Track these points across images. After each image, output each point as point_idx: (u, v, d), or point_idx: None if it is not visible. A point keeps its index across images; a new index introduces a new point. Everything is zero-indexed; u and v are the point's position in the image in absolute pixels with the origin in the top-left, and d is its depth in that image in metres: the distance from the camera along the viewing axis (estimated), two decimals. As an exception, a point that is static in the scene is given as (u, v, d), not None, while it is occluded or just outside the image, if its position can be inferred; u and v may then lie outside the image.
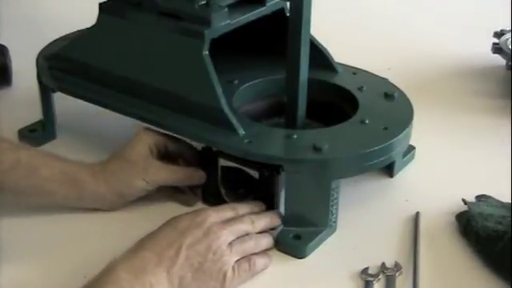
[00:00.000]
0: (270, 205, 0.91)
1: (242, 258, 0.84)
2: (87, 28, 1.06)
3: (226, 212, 0.87)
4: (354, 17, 1.62)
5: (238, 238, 0.84)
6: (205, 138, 0.93)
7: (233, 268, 0.82)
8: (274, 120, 1.05)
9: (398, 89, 1.05)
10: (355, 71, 1.10)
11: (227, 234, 0.83)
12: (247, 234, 0.86)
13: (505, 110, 1.22)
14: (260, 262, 0.85)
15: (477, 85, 1.32)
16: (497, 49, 1.30)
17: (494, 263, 0.86)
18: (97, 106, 1.02)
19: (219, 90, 0.92)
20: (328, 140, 0.90)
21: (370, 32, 1.53)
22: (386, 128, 0.94)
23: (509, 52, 1.27)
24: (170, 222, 0.83)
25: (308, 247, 0.89)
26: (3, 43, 1.29)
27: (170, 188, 0.96)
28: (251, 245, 0.85)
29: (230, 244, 0.83)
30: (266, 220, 0.89)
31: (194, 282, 0.79)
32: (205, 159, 0.95)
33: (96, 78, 1.02)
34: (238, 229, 0.85)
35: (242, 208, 0.89)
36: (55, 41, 1.14)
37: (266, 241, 0.88)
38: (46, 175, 0.91)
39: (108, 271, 0.76)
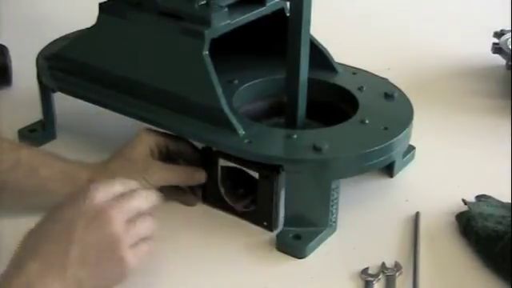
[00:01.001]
0: (270, 205, 0.91)
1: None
2: (87, 28, 1.06)
3: (114, 187, 0.78)
4: (353, 17, 1.62)
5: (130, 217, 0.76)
6: (205, 138, 0.93)
7: (131, 252, 0.74)
8: (273, 120, 1.05)
9: (398, 89, 1.05)
10: (355, 71, 1.10)
11: (119, 215, 0.74)
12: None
13: (505, 110, 1.22)
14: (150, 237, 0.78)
15: (477, 85, 1.32)
16: (497, 49, 1.30)
17: (494, 263, 0.86)
18: (97, 106, 1.03)
19: (219, 90, 0.92)
20: (328, 140, 0.90)
21: (370, 32, 1.53)
22: (386, 128, 0.94)
23: (509, 52, 1.27)
24: (53, 214, 0.74)
25: (308, 247, 0.89)
26: (3, 43, 1.29)
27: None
28: (147, 225, 0.78)
29: (125, 226, 0.75)
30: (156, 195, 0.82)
31: (93, 280, 0.71)
32: (205, 159, 0.95)
33: (96, 78, 1.02)
34: (131, 207, 0.77)
35: (134, 183, 0.81)
36: (55, 41, 1.15)
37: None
38: (46, 175, 0.91)
39: None
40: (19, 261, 0.71)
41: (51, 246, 0.72)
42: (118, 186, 0.78)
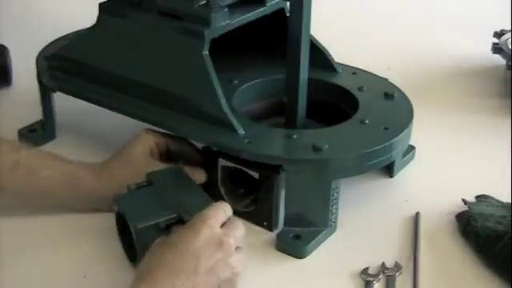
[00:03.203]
0: (270, 205, 0.91)
1: None
2: (87, 28, 1.06)
3: (221, 215, 0.81)
4: (354, 17, 1.62)
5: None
6: (205, 138, 0.93)
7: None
8: (273, 120, 1.05)
9: (398, 89, 1.05)
10: (355, 71, 1.10)
11: (234, 244, 0.79)
12: None
13: (505, 110, 1.22)
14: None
15: (477, 85, 1.32)
16: (497, 49, 1.30)
17: (494, 263, 0.86)
18: (97, 106, 1.03)
19: (219, 90, 0.93)
20: (328, 140, 0.90)
21: (370, 32, 1.53)
22: (386, 128, 0.94)
23: (509, 52, 1.27)
24: (173, 241, 0.77)
25: (308, 247, 0.89)
26: (3, 43, 1.29)
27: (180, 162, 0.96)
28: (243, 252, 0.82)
29: (236, 251, 0.79)
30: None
31: None
32: (205, 159, 0.95)
33: (96, 77, 1.02)
34: (238, 235, 0.81)
35: (227, 207, 0.83)
36: (55, 41, 1.15)
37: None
38: (46, 175, 0.91)
39: None
40: (147, 285, 0.72)
41: (178, 272, 0.73)
42: (223, 213, 0.81)
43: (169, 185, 0.88)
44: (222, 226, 0.80)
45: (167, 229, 0.82)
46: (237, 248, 0.80)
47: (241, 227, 0.81)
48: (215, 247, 0.76)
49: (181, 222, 0.82)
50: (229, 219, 0.82)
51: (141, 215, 0.83)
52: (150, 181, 0.89)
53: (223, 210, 0.81)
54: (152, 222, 0.82)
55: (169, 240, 0.77)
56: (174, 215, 0.82)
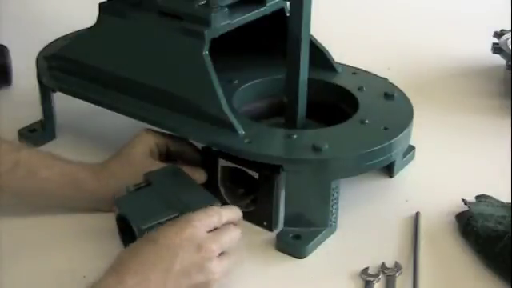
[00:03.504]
0: (270, 205, 0.91)
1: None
2: (87, 28, 1.06)
3: (211, 219, 0.80)
4: (353, 17, 1.62)
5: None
6: (205, 138, 0.93)
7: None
8: (273, 120, 1.05)
9: (398, 89, 1.05)
10: (355, 71, 1.10)
11: (217, 250, 0.78)
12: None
13: (505, 110, 1.22)
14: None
15: (477, 85, 1.32)
16: (497, 49, 1.30)
17: (493, 263, 0.86)
18: (97, 106, 1.03)
19: (219, 90, 0.93)
20: (328, 140, 0.90)
21: (370, 32, 1.53)
22: (386, 128, 0.94)
23: (509, 52, 1.27)
24: (154, 236, 0.77)
25: (308, 247, 0.89)
26: (3, 43, 1.29)
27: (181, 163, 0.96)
28: (234, 259, 0.81)
29: (218, 258, 0.78)
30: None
31: None
32: (205, 159, 0.95)
33: (96, 77, 1.02)
34: (225, 241, 0.80)
35: (226, 213, 0.82)
36: (55, 41, 1.15)
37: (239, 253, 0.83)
38: (46, 176, 0.91)
39: None
40: (117, 273, 0.73)
41: (151, 267, 0.73)
42: (215, 218, 0.80)
43: (168, 184, 0.88)
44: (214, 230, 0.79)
45: None
46: (223, 254, 0.79)
47: (232, 235, 0.80)
48: (194, 249, 0.76)
49: None
50: (225, 225, 0.81)
51: (143, 216, 0.83)
52: (149, 181, 0.89)
53: (217, 215, 0.80)
54: (155, 222, 0.82)
55: (150, 235, 0.77)
56: (177, 214, 0.82)
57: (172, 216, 0.82)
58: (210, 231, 0.79)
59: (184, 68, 0.95)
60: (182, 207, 0.83)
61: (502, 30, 1.34)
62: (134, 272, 0.73)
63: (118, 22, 1.02)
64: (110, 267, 0.74)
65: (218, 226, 0.80)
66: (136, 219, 0.82)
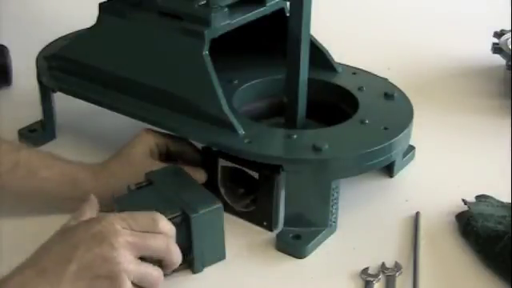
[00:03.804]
0: (270, 205, 0.91)
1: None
2: (87, 28, 1.06)
3: (139, 221, 0.77)
4: (354, 17, 1.62)
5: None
6: (205, 138, 0.93)
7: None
8: (274, 120, 1.05)
9: (398, 89, 1.05)
10: (355, 71, 1.10)
11: (125, 244, 0.75)
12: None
13: (505, 110, 1.22)
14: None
15: (477, 85, 1.32)
16: (497, 49, 1.30)
17: (493, 263, 0.86)
18: (97, 106, 1.03)
19: (219, 90, 0.93)
20: (328, 140, 0.90)
21: (370, 32, 1.53)
22: (386, 128, 0.94)
23: (509, 52, 1.27)
24: (65, 231, 0.76)
25: (308, 247, 0.89)
26: (3, 43, 1.29)
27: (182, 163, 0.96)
28: (155, 274, 0.77)
29: (132, 260, 0.75)
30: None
31: None
32: (205, 159, 0.95)
33: (96, 77, 1.02)
34: (143, 244, 0.76)
35: (164, 224, 0.79)
36: (55, 41, 1.15)
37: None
38: (46, 176, 0.91)
39: None
40: (20, 266, 0.73)
41: (52, 258, 0.73)
42: (143, 220, 0.78)
43: (169, 183, 0.88)
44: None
45: (177, 226, 0.81)
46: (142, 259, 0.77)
47: (157, 243, 0.77)
48: (98, 243, 0.73)
49: (186, 219, 0.82)
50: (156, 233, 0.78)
51: None
52: (150, 180, 0.89)
53: (151, 220, 0.78)
54: None
55: (66, 229, 0.77)
56: (179, 213, 0.82)
57: (174, 215, 0.82)
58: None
59: (184, 68, 0.95)
60: (183, 206, 0.83)
61: (502, 30, 1.34)
62: (33, 263, 0.73)
63: (118, 22, 1.02)
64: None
65: (150, 230, 0.78)
66: None
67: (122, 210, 0.83)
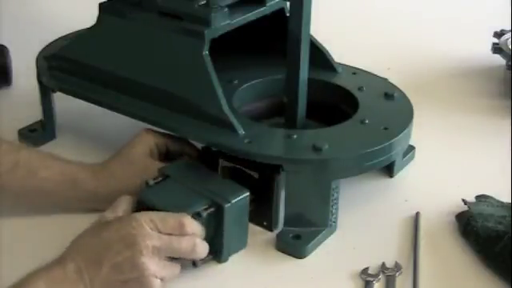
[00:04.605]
0: (270, 205, 0.91)
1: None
2: (87, 28, 1.06)
3: (167, 223, 0.80)
4: (354, 17, 1.62)
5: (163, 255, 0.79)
6: (205, 138, 0.93)
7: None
8: (274, 120, 1.05)
9: (398, 89, 1.05)
10: (355, 71, 1.10)
11: (152, 248, 0.78)
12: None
13: (505, 110, 1.22)
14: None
15: (477, 85, 1.32)
16: (497, 49, 1.30)
17: (493, 263, 0.86)
18: (97, 106, 1.03)
19: (219, 90, 0.93)
20: (328, 140, 0.90)
21: (370, 32, 1.53)
22: (386, 128, 0.94)
23: (509, 52, 1.27)
24: (95, 228, 0.80)
25: (308, 247, 0.89)
26: (3, 43, 1.29)
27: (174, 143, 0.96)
28: (173, 272, 0.81)
29: (155, 257, 0.78)
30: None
31: None
32: (205, 159, 0.95)
33: (96, 77, 1.02)
34: (169, 246, 0.79)
35: (192, 225, 0.81)
36: (55, 41, 1.15)
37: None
38: (46, 176, 0.91)
39: (29, 279, 0.74)
40: (60, 258, 0.77)
41: (85, 256, 0.76)
42: (170, 222, 0.80)
43: (189, 176, 0.88)
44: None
45: (208, 218, 0.83)
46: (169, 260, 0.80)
47: (183, 244, 0.80)
48: (127, 245, 0.77)
49: (218, 209, 0.83)
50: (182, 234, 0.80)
51: (178, 207, 0.83)
52: (165, 175, 0.89)
53: (177, 222, 0.80)
54: (192, 212, 0.82)
55: (99, 226, 0.80)
56: (210, 204, 0.83)
57: (205, 207, 0.83)
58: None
59: (184, 68, 0.95)
60: (213, 197, 0.84)
61: (502, 30, 1.34)
62: (72, 258, 0.76)
63: (118, 22, 1.02)
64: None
65: (176, 233, 0.80)
66: (173, 211, 0.82)
67: (153, 203, 0.83)
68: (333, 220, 0.92)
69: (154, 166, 0.92)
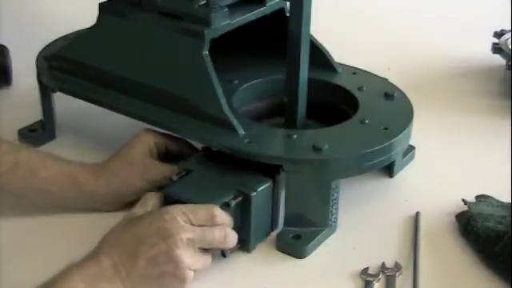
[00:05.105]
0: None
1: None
2: (87, 28, 1.06)
3: (198, 215, 0.81)
4: (354, 17, 1.62)
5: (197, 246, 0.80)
6: (205, 138, 0.93)
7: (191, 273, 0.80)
8: (274, 120, 1.05)
9: (398, 89, 1.05)
10: (355, 71, 1.10)
11: (187, 241, 0.79)
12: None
13: (505, 110, 1.22)
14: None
15: (477, 85, 1.32)
16: (497, 49, 1.30)
17: (493, 263, 0.86)
18: (97, 106, 1.03)
19: (219, 90, 0.93)
20: (328, 140, 0.90)
21: (370, 32, 1.53)
22: (386, 128, 0.94)
23: (509, 52, 1.27)
24: (126, 224, 0.81)
25: (308, 247, 0.89)
26: (3, 43, 1.29)
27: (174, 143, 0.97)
28: (206, 261, 0.82)
29: (190, 249, 0.79)
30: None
31: None
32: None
33: (96, 77, 1.02)
34: (203, 238, 0.80)
35: (222, 215, 0.83)
36: (55, 41, 1.15)
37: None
38: (46, 176, 0.91)
39: (64, 276, 0.75)
40: (94, 253, 0.78)
41: (120, 251, 0.77)
42: (202, 213, 0.81)
43: (209, 168, 0.89)
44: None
45: (236, 208, 0.84)
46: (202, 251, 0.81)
47: (216, 234, 0.81)
48: (162, 238, 0.77)
49: (246, 199, 0.84)
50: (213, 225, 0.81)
51: (206, 199, 0.83)
52: (187, 169, 0.89)
53: (208, 214, 0.81)
54: (220, 203, 0.83)
55: (130, 221, 0.81)
56: (237, 192, 0.84)
57: (233, 197, 0.84)
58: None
59: (184, 68, 0.95)
60: (239, 187, 0.85)
61: (502, 30, 1.34)
62: (107, 254, 0.77)
63: (118, 22, 1.02)
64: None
65: (208, 224, 0.81)
66: (203, 202, 0.83)
67: (183, 196, 0.84)
68: (333, 220, 0.92)
69: (153, 165, 0.93)
